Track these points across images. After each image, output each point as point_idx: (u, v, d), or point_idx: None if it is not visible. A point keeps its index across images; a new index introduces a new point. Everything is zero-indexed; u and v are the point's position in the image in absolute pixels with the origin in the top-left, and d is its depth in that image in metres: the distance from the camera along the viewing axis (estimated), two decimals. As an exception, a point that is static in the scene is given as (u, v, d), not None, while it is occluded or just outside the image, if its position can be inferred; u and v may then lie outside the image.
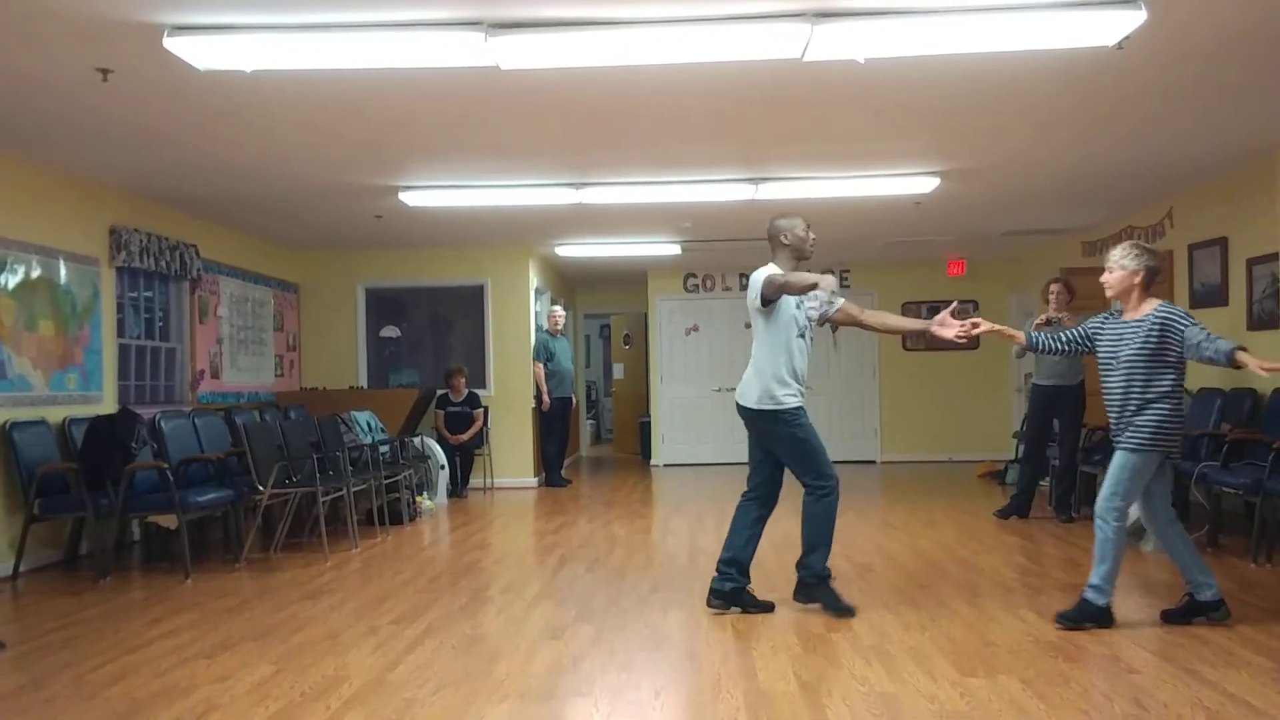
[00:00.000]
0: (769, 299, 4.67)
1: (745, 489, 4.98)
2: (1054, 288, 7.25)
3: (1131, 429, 4.39)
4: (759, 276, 4.72)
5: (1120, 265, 4.44)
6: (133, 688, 3.81)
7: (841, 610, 4.74)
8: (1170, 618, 4.46)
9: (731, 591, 4.83)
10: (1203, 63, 4.82)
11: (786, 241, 4.83)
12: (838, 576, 5.18)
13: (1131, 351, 4.39)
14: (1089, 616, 4.38)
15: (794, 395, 4.74)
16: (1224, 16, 4.21)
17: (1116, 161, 6.94)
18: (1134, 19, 4.02)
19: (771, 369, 4.72)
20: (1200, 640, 4.15)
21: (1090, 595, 4.40)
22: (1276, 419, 6.28)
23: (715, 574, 4.90)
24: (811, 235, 4.88)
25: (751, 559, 4.89)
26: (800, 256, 4.86)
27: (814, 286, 4.51)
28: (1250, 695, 3.46)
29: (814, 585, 4.85)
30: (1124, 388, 4.42)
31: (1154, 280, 4.48)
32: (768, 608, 4.82)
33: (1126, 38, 4.22)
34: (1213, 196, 7.73)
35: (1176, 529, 4.54)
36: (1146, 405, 4.36)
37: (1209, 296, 7.79)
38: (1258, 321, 7.14)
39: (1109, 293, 4.53)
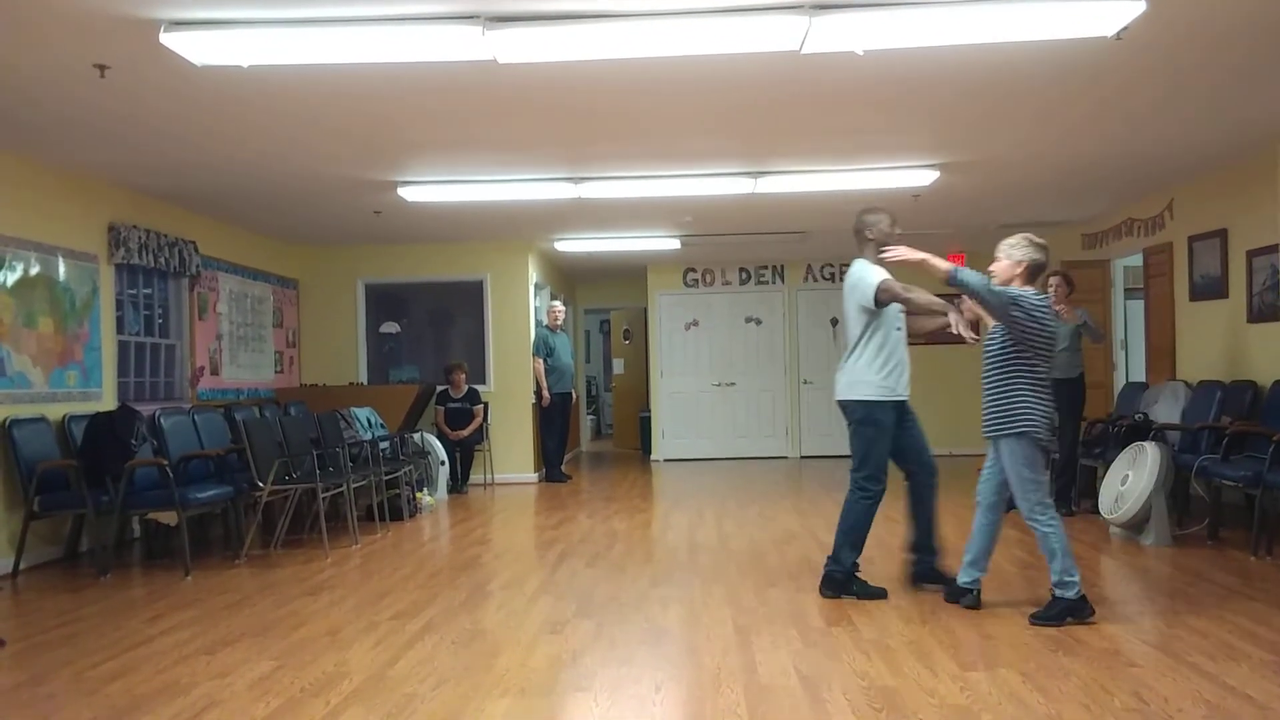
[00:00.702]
0: (882, 304, 4.80)
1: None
2: (1053, 280, 7.25)
3: (994, 417, 4.52)
4: (870, 278, 4.80)
5: (1006, 255, 4.56)
6: (133, 684, 3.81)
7: (874, 594, 4.92)
8: (947, 596, 4.77)
9: (929, 571, 5.02)
10: (1202, 53, 4.80)
11: (871, 236, 4.94)
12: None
13: (991, 337, 4.55)
14: (1066, 612, 4.36)
15: (886, 389, 4.83)
16: (1223, 6, 4.19)
17: (1116, 153, 6.93)
18: (1132, 9, 4.01)
19: (866, 362, 4.86)
20: (1200, 634, 4.15)
21: (1059, 592, 4.40)
22: (1277, 411, 6.28)
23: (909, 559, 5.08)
24: (897, 230, 4.96)
25: (931, 534, 5.04)
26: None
27: (939, 314, 4.70)
28: (1250, 688, 3.46)
29: (842, 580, 4.96)
30: (985, 375, 4.59)
31: (1038, 275, 4.57)
32: (948, 582, 4.89)
33: (1125, 28, 4.21)
34: (1213, 188, 7.72)
35: (992, 516, 4.67)
36: (1002, 391, 4.48)
37: (1209, 289, 7.78)
38: (1258, 314, 7.13)
39: (994, 281, 4.62)
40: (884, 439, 4.90)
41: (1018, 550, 6.11)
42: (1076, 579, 4.38)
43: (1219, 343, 7.67)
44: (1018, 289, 4.48)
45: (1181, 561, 5.66)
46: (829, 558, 5.03)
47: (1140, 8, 3.99)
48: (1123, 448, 6.70)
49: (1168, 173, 7.68)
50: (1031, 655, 3.92)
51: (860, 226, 4.98)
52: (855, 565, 4.98)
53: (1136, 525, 6.25)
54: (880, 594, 4.92)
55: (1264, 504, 5.74)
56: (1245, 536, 6.03)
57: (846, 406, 4.95)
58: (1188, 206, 8.12)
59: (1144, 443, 6.43)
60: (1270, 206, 6.74)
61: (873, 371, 4.85)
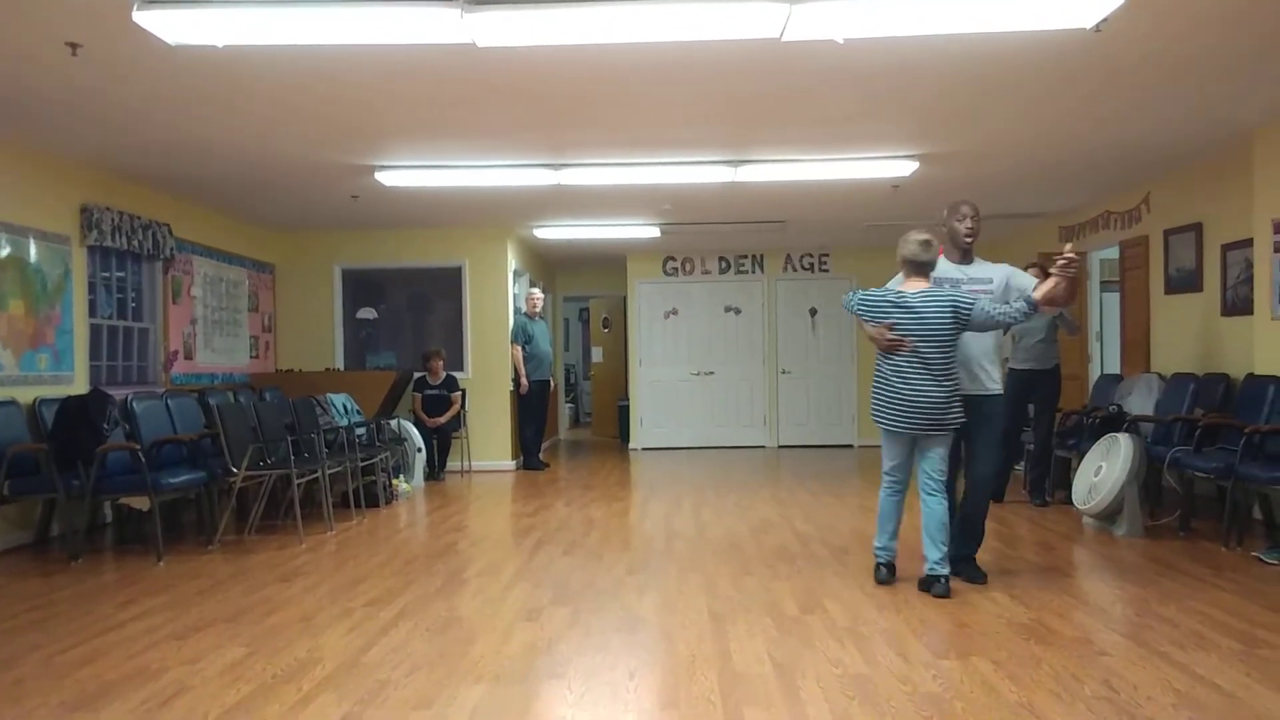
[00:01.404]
0: None
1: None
2: (1030, 272, 7.30)
3: None
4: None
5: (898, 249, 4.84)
6: (103, 669, 3.78)
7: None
8: (920, 585, 4.86)
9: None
10: (1180, 46, 4.82)
11: (944, 231, 5.01)
12: (814, 558, 5.28)
13: None
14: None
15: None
16: (1200, 1, 4.21)
17: (1094, 146, 6.96)
18: (1112, 1, 4.01)
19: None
20: (1170, 623, 4.19)
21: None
22: (1249, 404, 6.34)
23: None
24: (965, 225, 4.96)
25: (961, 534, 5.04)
26: (955, 248, 5.02)
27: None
28: (1219, 677, 3.49)
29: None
30: None
31: (915, 271, 4.75)
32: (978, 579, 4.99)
33: (1104, 20, 4.21)
34: (1188, 182, 7.77)
35: (928, 504, 4.79)
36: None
37: (1184, 282, 7.84)
38: (1231, 307, 7.19)
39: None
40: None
41: (993, 540, 6.14)
42: (879, 556, 4.90)
43: (1193, 335, 7.73)
44: (878, 289, 4.88)
45: (1153, 552, 5.71)
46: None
47: (1118, 0, 4.00)
48: (1097, 439, 6.75)
49: (1144, 166, 7.72)
50: (1003, 643, 3.94)
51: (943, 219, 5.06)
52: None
53: (1109, 516, 6.30)
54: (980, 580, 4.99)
55: (1235, 496, 5.80)
56: (1216, 528, 6.09)
57: None
58: (1164, 200, 8.17)
59: (1118, 434, 6.48)
60: (1245, 201, 6.79)
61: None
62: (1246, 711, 3.17)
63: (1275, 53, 4.91)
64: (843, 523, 6.86)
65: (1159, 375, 7.83)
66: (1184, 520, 6.29)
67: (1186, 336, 7.82)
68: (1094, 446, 6.66)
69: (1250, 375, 6.55)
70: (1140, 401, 7.60)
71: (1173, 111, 6.04)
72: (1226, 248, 7.24)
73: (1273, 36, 4.68)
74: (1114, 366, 9.36)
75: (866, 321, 4.81)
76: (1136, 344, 8.59)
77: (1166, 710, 3.18)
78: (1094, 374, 9.53)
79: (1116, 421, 7.08)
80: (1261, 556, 5.39)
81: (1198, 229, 7.63)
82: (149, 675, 3.69)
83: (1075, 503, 6.65)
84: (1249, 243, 6.76)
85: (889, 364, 4.74)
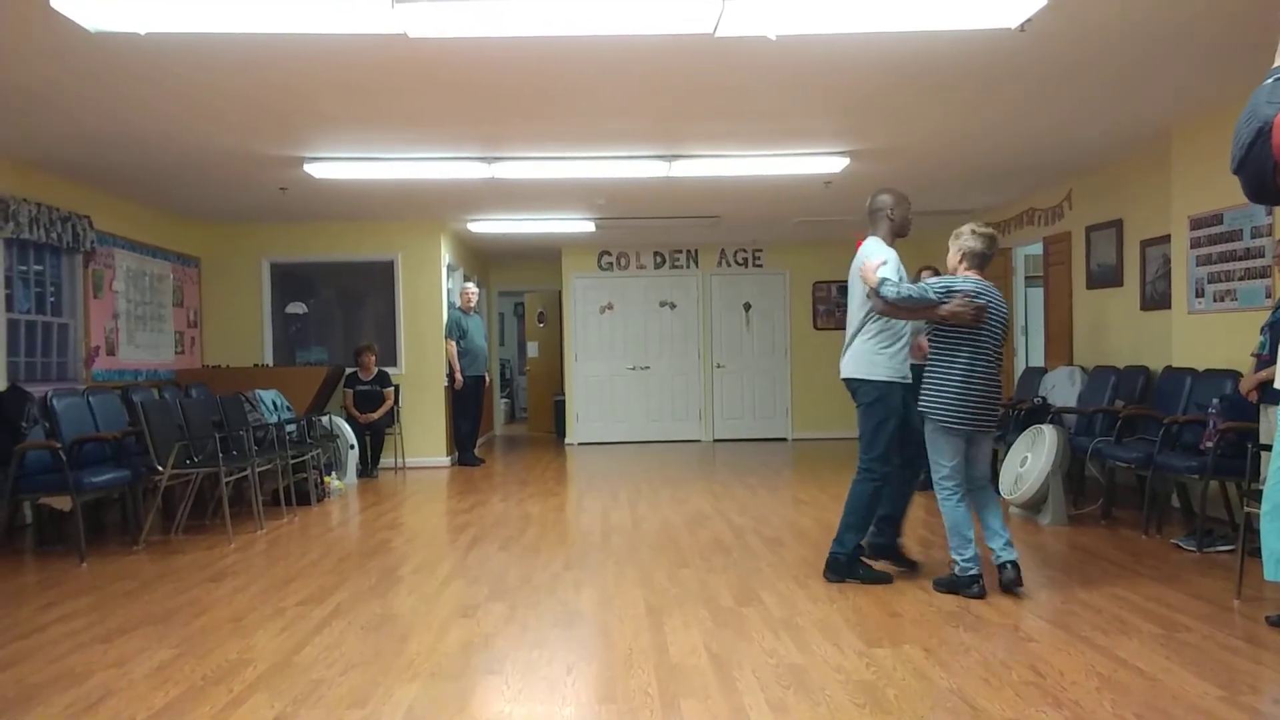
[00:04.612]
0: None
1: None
2: (925, 273, 7.47)
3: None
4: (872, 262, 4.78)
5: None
6: (24, 674, 3.67)
7: (877, 578, 4.86)
8: (939, 586, 4.71)
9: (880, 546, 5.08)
10: (1102, 47, 4.95)
11: (889, 217, 4.95)
12: (749, 550, 5.32)
13: None
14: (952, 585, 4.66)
15: (893, 370, 4.76)
16: (1123, 2, 4.33)
17: (1019, 144, 7.11)
18: (1035, 1, 4.10)
19: (875, 342, 4.78)
20: (1094, 609, 4.31)
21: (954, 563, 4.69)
22: (1167, 395, 6.54)
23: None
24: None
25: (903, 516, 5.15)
26: (895, 236, 4.97)
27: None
28: (1139, 660, 3.60)
29: (845, 563, 4.89)
30: None
31: (979, 264, 4.71)
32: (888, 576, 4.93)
33: (1029, 20, 4.30)
34: (1109, 180, 7.99)
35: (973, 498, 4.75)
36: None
37: (1105, 277, 8.06)
38: (1150, 301, 7.41)
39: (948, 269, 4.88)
40: (894, 421, 4.78)
41: (922, 530, 6.26)
42: (962, 555, 4.58)
43: (1113, 329, 7.95)
44: (935, 279, 4.72)
45: (1076, 540, 5.86)
46: (834, 541, 4.93)
47: (1042, 1, 4.09)
48: (1022, 430, 6.91)
49: (1067, 164, 7.91)
50: (934, 631, 4.02)
51: (877, 206, 4.99)
52: (860, 549, 4.91)
53: (1035, 505, 6.46)
54: (885, 579, 4.85)
55: (1154, 485, 5.98)
56: (1136, 516, 6.28)
57: (857, 387, 4.84)
58: (1085, 197, 8.39)
59: (1042, 425, 6.64)
60: (1163, 198, 7.00)
61: (881, 351, 4.76)
62: (1166, 694, 3.27)
63: (1184, 53, 5.07)
64: (777, 515, 6.93)
65: (1081, 368, 8.04)
66: (1106, 509, 6.47)
67: (1107, 330, 8.05)
68: (1019, 438, 6.82)
69: (1168, 368, 6.75)
70: (1063, 393, 7.80)
71: (1095, 110, 6.20)
72: (1145, 244, 7.45)
73: (1180, 37, 4.82)
74: (1038, 359, 9.58)
75: (944, 302, 4.51)
76: (1059, 337, 8.81)
77: (1091, 694, 3.27)
78: (1019, 367, 9.75)
79: (1041, 413, 7.26)
80: (1179, 543, 5.57)
81: (1118, 225, 7.84)
82: (73, 679, 3.59)
83: (1002, 492, 6.80)
84: (1167, 239, 6.97)
85: (962, 360, 4.51)
